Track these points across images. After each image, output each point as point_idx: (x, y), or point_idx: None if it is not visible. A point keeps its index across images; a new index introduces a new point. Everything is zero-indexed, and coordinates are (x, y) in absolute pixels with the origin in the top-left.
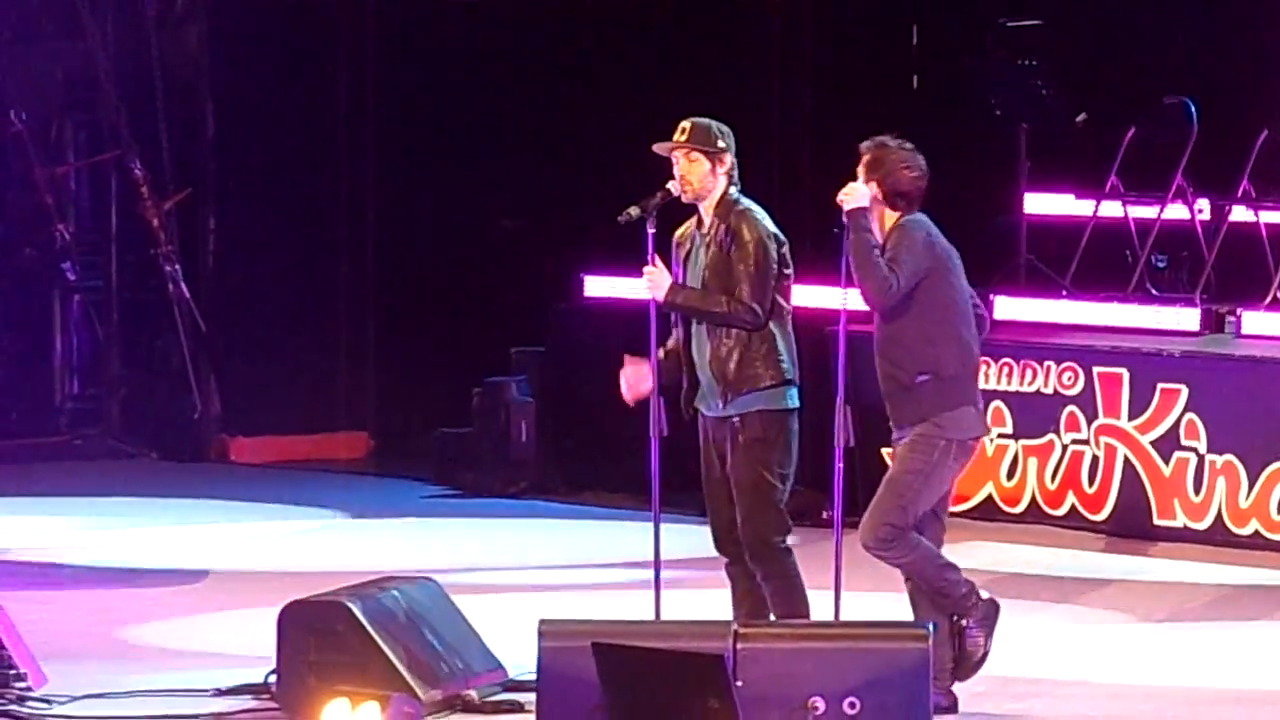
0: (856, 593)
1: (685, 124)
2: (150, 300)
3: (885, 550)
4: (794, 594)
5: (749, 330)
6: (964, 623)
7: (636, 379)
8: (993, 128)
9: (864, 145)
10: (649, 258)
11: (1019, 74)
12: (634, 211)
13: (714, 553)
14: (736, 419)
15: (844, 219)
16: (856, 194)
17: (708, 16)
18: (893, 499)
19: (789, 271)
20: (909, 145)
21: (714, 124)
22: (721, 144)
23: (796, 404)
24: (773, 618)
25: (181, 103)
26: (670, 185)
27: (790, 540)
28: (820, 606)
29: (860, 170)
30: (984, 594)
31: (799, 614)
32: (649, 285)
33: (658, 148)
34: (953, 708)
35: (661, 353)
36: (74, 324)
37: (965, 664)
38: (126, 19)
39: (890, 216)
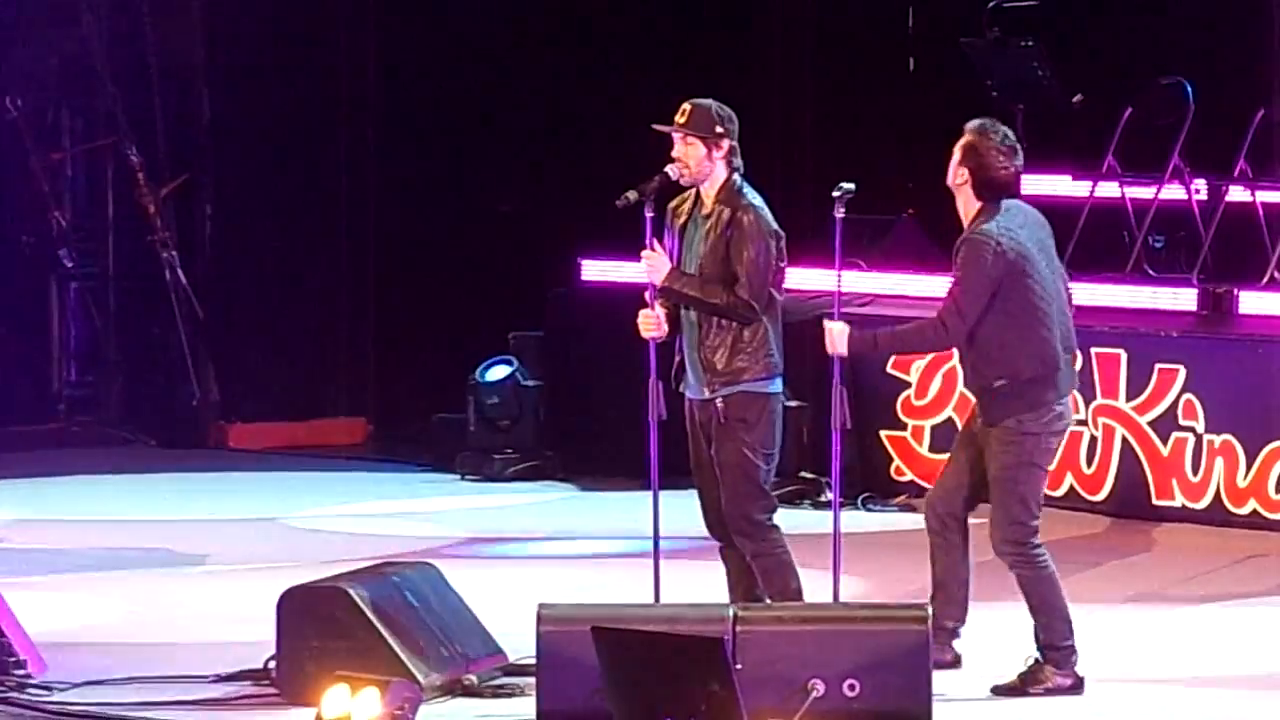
0: (855, 575)
1: (686, 105)
2: (147, 287)
3: (1016, 552)
4: (783, 571)
5: (743, 324)
6: (1044, 661)
7: (653, 321)
8: (989, 108)
9: (968, 125)
10: (648, 242)
11: (1015, 55)
12: (632, 195)
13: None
14: (720, 401)
15: (849, 355)
16: (837, 339)
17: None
18: (1007, 497)
19: (783, 264)
20: (1011, 136)
21: (715, 107)
22: (719, 129)
23: (780, 389)
24: (766, 598)
25: (177, 88)
26: (668, 169)
27: (784, 521)
28: (820, 588)
29: (956, 150)
30: (1079, 669)
31: (790, 590)
32: (648, 269)
33: (658, 128)
34: (956, 663)
35: (663, 310)
36: (71, 311)
37: (1020, 683)
38: (121, 4)
39: (973, 205)
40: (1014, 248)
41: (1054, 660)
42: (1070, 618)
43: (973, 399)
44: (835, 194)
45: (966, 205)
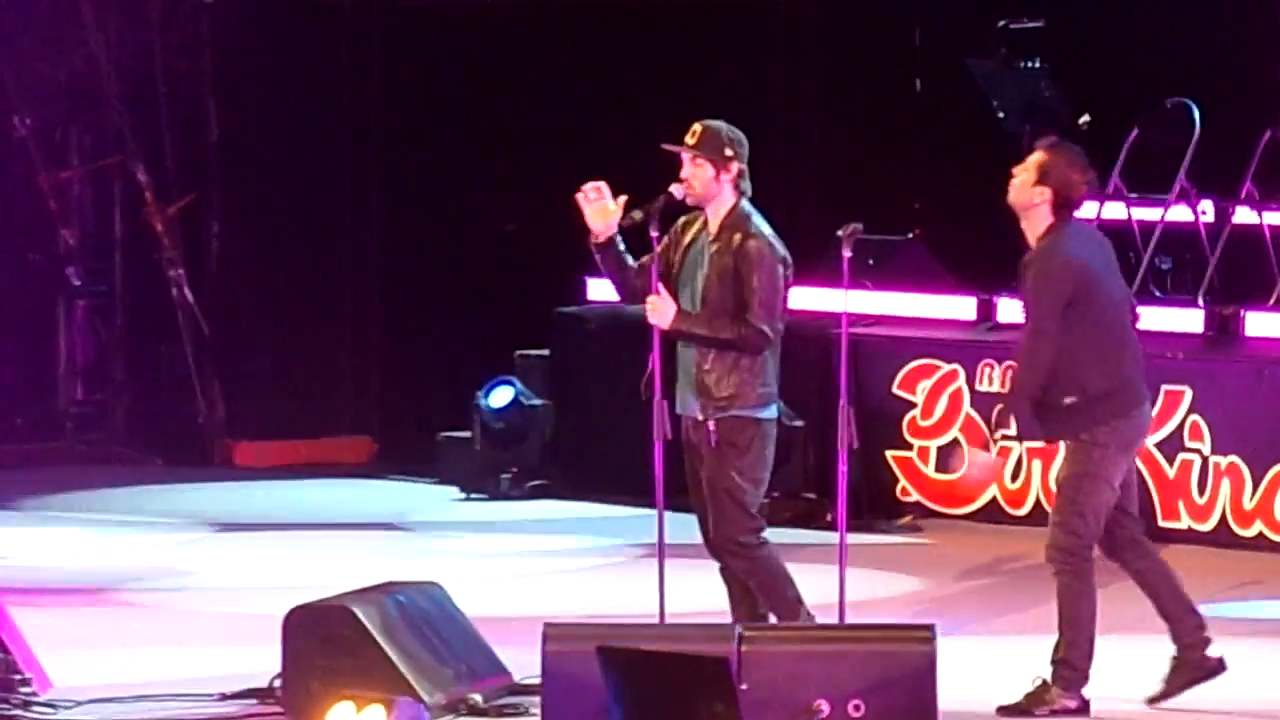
0: (860, 595)
1: (697, 126)
2: (154, 305)
3: (1064, 560)
4: (777, 582)
5: (754, 354)
6: (1052, 682)
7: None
8: (995, 130)
9: (1040, 143)
10: (654, 288)
11: (1022, 76)
12: (637, 215)
13: None
14: (711, 424)
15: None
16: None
17: (713, 18)
18: (1067, 506)
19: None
20: (1083, 153)
21: (726, 130)
22: (729, 152)
23: (774, 415)
24: (768, 613)
25: (185, 107)
26: (673, 188)
27: (789, 540)
28: (824, 609)
29: (1030, 169)
30: (1087, 694)
31: (788, 598)
32: (652, 314)
33: (667, 147)
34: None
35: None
36: (78, 329)
37: (1026, 704)
38: (129, 22)
39: (1044, 222)
40: (1080, 263)
41: (1064, 681)
42: (1094, 643)
43: (1041, 425)
44: (841, 233)
45: (1036, 223)
